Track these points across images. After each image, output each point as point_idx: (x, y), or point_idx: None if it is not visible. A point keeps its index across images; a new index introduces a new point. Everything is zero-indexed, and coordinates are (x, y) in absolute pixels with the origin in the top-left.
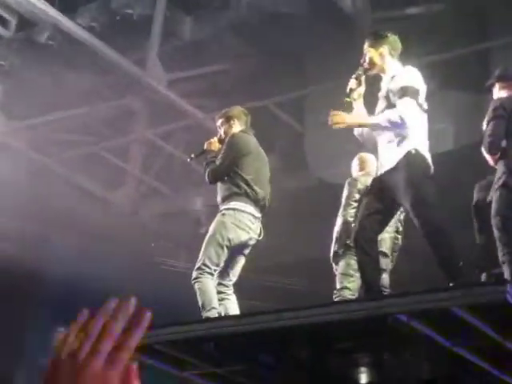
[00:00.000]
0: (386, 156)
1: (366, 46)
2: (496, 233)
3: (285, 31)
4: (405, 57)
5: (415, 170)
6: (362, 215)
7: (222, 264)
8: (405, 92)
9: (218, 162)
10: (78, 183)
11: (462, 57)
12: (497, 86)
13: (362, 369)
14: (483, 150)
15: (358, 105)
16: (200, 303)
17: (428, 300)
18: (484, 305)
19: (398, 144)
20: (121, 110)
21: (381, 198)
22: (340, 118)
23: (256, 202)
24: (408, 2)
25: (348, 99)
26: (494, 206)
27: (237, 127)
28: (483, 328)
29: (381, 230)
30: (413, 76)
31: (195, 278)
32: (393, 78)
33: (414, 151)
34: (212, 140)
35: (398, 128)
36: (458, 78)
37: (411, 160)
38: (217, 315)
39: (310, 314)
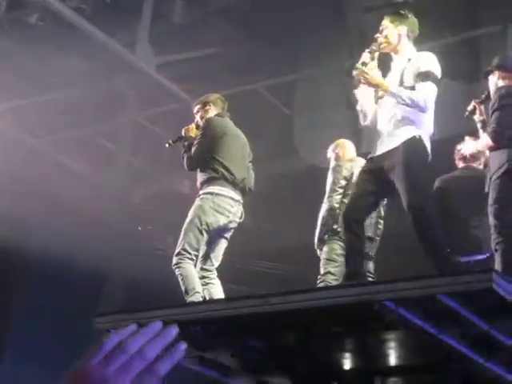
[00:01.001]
0: (387, 136)
1: (384, 21)
2: (492, 220)
3: (275, 16)
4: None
5: (415, 156)
6: (353, 195)
7: (201, 249)
8: (428, 76)
9: (193, 148)
10: (67, 166)
11: (450, 45)
12: (496, 74)
13: (348, 354)
14: (486, 137)
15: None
16: (183, 288)
17: (415, 287)
18: (471, 293)
19: (404, 126)
20: (110, 92)
21: (374, 179)
22: (365, 73)
23: (234, 184)
24: None
25: (356, 73)
26: (492, 194)
27: (213, 112)
28: (470, 316)
29: (371, 211)
30: (434, 62)
31: (175, 264)
32: (410, 60)
33: (418, 137)
34: (189, 126)
35: (417, 109)
36: (446, 66)
37: (414, 145)
38: (201, 299)
39: (298, 299)
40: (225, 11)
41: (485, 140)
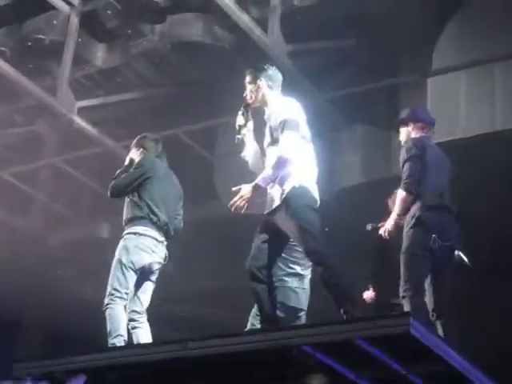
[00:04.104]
0: (272, 194)
1: (245, 80)
2: (402, 268)
3: (196, 61)
4: (313, 90)
5: (299, 203)
6: (254, 248)
7: (131, 287)
8: (284, 126)
9: (121, 177)
10: None
11: (370, 92)
12: (406, 126)
13: None
14: (401, 190)
15: (249, 140)
16: (108, 330)
17: (333, 331)
18: (388, 337)
19: (282, 181)
20: (30, 136)
21: (270, 236)
22: (239, 203)
23: (158, 226)
24: (321, 35)
25: (239, 136)
26: (404, 242)
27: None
28: (387, 360)
29: (273, 257)
30: (289, 108)
31: (106, 305)
32: (270, 113)
33: (297, 185)
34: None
35: (286, 167)
36: (367, 112)
37: (294, 194)
38: (123, 342)
39: (216, 344)
40: (146, 56)
41: (399, 193)
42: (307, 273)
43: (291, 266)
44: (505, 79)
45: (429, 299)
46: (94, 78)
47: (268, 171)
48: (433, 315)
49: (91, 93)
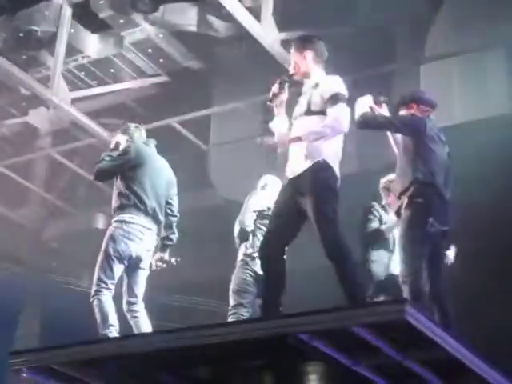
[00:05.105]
0: (295, 163)
1: (291, 50)
2: (400, 252)
3: (190, 50)
4: None
5: (320, 182)
6: (269, 227)
7: (123, 279)
8: (338, 98)
9: (106, 159)
10: None
11: (363, 79)
12: (405, 109)
13: None
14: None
15: (279, 111)
16: (98, 321)
17: (329, 319)
18: (384, 324)
19: (309, 151)
20: (24, 127)
21: (287, 208)
22: (284, 139)
23: (146, 213)
24: (317, 23)
25: (270, 103)
26: (402, 226)
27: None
28: (384, 347)
29: (288, 242)
30: (341, 84)
31: (93, 296)
32: (317, 84)
33: (322, 161)
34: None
35: (337, 133)
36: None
37: (318, 170)
38: (114, 333)
39: (211, 334)
40: (140, 46)
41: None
42: None
43: None
44: (497, 66)
45: (425, 283)
46: (87, 69)
47: (319, 128)
48: (430, 299)
49: (85, 83)
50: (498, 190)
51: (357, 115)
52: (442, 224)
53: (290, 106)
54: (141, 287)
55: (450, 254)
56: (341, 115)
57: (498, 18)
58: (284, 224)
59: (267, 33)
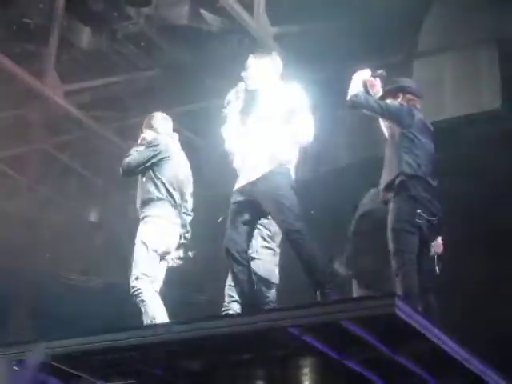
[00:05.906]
0: (253, 166)
1: (249, 60)
2: (391, 245)
3: (183, 44)
4: (299, 72)
5: (282, 181)
6: (229, 228)
7: (159, 272)
8: (299, 110)
9: (134, 154)
10: None
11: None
12: (392, 98)
13: (255, 382)
14: None
15: (232, 118)
16: (149, 318)
17: (318, 313)
18: (374, 318)
19: (271, 155)
20: (17, 120)
21: (245, 209)
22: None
23: (175, 207)
24: (307, 18)
25: (224, 110)
26: (391, 218)
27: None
28: (374, 341)
29: (250, 239)
30: (299, 92)
31: (137, 290)
32: (275, 94)
33: (283, 164)
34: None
35: (300, 146)
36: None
37: (279, 172)
38: None
39: (201, 327)
40: (132, 38)
41: None
42: (279, 251)
43: (267, 239)
44: (490, 60)
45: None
46: (80, 62)
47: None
48: (420, 291)
49: (78, 76)
50: (488, 184)
51: (350, 93)
52: (430, 215)
53: (245, 114)
54: (161, 279)
55: (438, 244)
56: (300, 129)
57: (491, 12)
58: (242, 226)
59: (260, 27)
